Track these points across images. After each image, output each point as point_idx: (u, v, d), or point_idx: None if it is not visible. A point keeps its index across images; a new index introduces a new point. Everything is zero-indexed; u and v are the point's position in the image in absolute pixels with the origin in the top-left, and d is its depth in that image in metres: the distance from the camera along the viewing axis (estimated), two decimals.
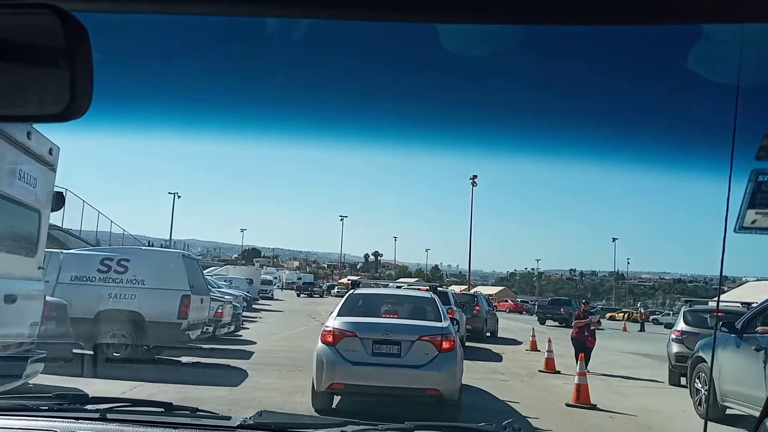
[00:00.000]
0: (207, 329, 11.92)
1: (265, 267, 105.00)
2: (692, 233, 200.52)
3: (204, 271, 38.38)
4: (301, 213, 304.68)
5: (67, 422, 1.79)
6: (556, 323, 34.29)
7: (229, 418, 1.94)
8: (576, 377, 9.68)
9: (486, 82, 2.77)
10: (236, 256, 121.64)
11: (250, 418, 1.90)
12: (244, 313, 28.53)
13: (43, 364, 6.55)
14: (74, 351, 10.93)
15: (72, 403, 1.96)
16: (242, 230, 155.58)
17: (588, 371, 10.21)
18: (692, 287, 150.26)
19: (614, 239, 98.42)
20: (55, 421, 1.80)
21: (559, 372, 13.57)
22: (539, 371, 13.65)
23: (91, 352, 10.63)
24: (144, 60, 2.66)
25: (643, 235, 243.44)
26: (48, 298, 8.23)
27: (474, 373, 12.39)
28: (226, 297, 16.66)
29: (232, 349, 14.34)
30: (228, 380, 9.51)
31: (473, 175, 53.78)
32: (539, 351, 18.53)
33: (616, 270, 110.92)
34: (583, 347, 12.38)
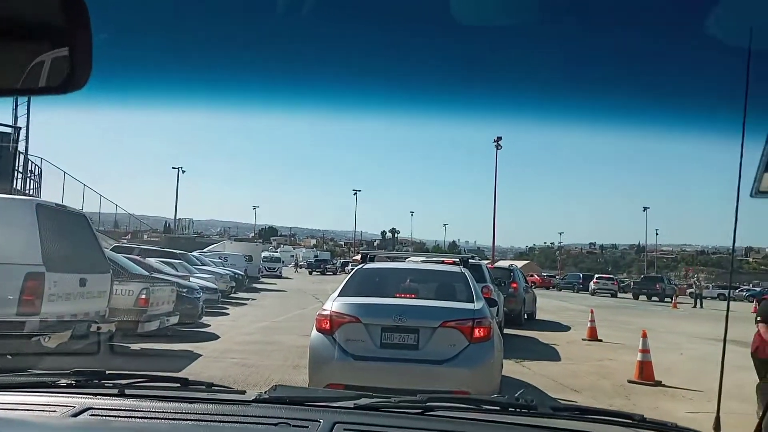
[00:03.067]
0: (102, 327, 7.34)
1: (281, 245, 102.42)
2: (713, 203, 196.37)
3: (205, 249, 35.10)
4: (316, 190, 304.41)
5: (86, 398, 1.77)
6: (655, 299, 39.11)
7: (244, 392, 1.92)
8: None
9: (507, 48, 2.77)
10: (253, 235, 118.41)
11: (265, 392, 1.85)
12: (236, 294, 24.82)
13: None
14: None
15: (90, 379, 1.93)
16: (254, 208, 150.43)
17: None
18: (716, 259, 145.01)
19: (645, 209, 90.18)
20: (74, 396, 1.78)
21: (661, 383, 8.87)
22: (630, 382, 8.93)
23: None
24: (144, 29, 2.64)
25: (663, 206, 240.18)
26: None
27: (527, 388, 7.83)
28: (160, 276, 12.09)
29: (171, 350, 9.98)
30: None
31: (497, 137, 48.12)
32: (602, 341, 14.17)
33: (646, 242, 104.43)
34: None
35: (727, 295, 48.62)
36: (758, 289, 59.15)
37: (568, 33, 2.78)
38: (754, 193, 1.37)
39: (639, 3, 2.72)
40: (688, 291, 51.66)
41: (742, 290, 58.88)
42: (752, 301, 41.00)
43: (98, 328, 7.26)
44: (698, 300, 35.43)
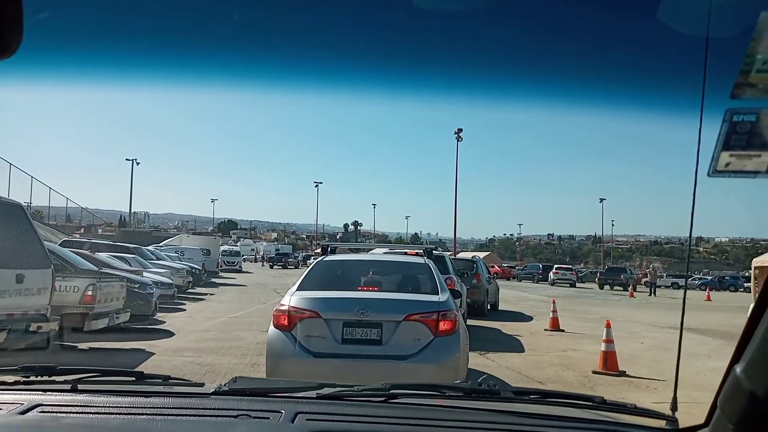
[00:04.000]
0: (42, 326, 6.81)
1: (241, 239, 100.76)
2: (667, 195, 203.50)
3: (161, 243, 33.98)
4: (277, 183, 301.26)
5: (35, 394, 1.69)
6: (619, 288, 41.19)
7: (202, 385, 1.87)
8: None
9: (464, 33, 2.75)
10: (212, 228, 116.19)
11: (225, 384, 1.82)
12: (194, 289, 24.09)
13: None
14: None
15: (39, 375, 1.85)
16: (213, 200, 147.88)
17: None
18: (668, 248, 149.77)
19: (602, 200, 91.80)
20: (22, 393, 1.71)
21: (625, 373, 8.84)
22: (594, 372, 8.88)
23: None
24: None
25: (618, 197, 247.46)
26: None
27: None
28: (109, 271, 11.52)
29: (122, 348, 9.46)
30: None
31: (458, 129, 48.15)
32: (563, 331, 14.24)
33: (603, 233, 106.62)
34: None
35: (680, 284, 50.36)
36: (709, 278, 61.26)
37: (525, 15, 2.72)
38: (711, 172, 1.38)
39: None
40: (644, 280, 53.21)
41: (694, 279, 60.81)
42: (704, 290, 42.57)
43: (38, 327, 6.75)
44: (652, 288, 36.37)
